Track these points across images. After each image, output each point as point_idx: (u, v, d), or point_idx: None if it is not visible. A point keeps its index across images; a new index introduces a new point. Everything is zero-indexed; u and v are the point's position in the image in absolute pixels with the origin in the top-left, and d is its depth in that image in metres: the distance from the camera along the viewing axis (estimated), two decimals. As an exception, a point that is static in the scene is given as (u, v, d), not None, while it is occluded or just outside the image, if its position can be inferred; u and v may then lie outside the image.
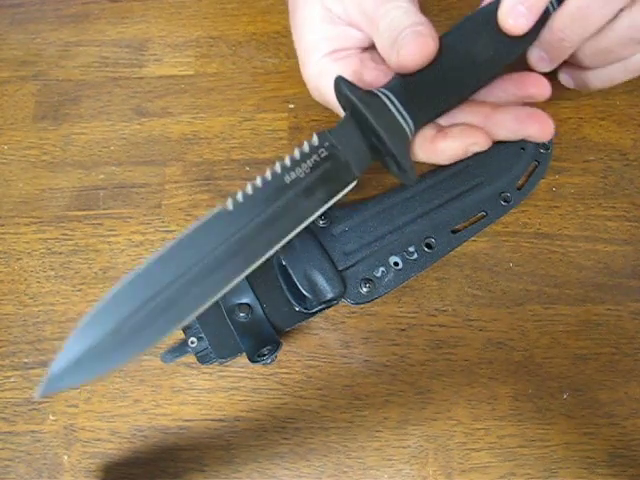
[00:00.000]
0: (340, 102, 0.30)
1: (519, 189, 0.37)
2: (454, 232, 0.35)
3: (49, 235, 0.38)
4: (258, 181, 0.27)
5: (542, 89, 0.30)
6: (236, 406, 0.34)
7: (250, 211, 0.26)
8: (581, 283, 0.35)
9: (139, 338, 0.24)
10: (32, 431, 0.34)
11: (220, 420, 0.33)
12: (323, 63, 0.32)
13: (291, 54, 0.43)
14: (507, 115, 0.30)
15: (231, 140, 0.40)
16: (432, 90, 0.29)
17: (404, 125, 0.28)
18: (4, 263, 0.38)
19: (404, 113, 0.28)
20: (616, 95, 0.39)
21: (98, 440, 0.33)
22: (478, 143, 0.29)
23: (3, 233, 0.39)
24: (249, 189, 0.27)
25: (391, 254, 0.34)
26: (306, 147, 0.28)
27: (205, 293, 0.25)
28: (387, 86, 0.29)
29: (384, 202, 0.36)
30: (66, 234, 0.38)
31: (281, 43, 0.43)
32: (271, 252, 0.27)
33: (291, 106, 0.41)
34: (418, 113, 0.28)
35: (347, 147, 0.28)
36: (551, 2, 0.28)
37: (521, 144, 0.37)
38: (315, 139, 0.28)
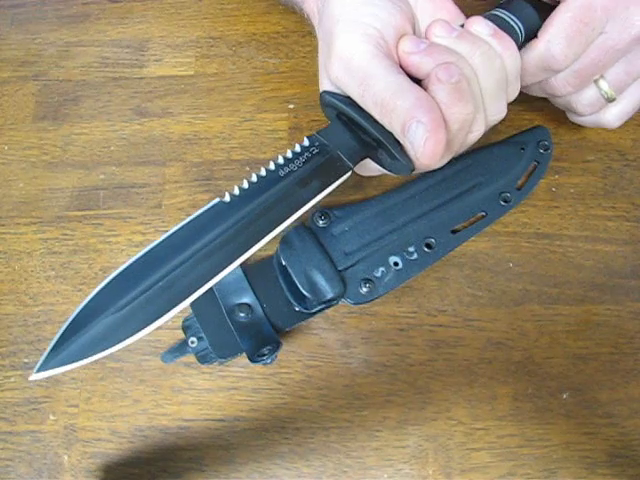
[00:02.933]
0: (325, 113, 0.32)
1: (519, 189, 0.37)
2: (454, 232, 0.35)
3: (49, 235, 0.38)
4: (253, 177, 0.28)
5: None
6: (236, 406, 0.34)
7: (246, 200, 0.28)
8: (581, 283, 0.35)
9: (141, 316, 0.25)
10: (32, 431, 0.34)
11: (220, 420, 0.33)
12: (358, 41, 0.29)
13: (291, 54, 0.43)
14: None
15: (231, 140, 0.40)
16: None
17: None
18: (4, 263, 0.38)
19: None
20: (616, 95, 0.39)
21: (98, 440, 0.33)
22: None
23: (3, 233, 0.39)
24: (245, 184, 0.28)
25: (391, 254, 0.34)
26: (297, 147, 0.29)
27: (204, 275, 0.26)
28: None
29: (384, 202, 0.36)
30: (66, 234, 0.38)
31: (281, 43, 0.43)
32: (268, 238, 0.28)
33: (291, 106, 0.41)
34: None
35: (337, 143, 0.30)
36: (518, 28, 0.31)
37: (521, 144, 0.38)
38: (305, 140, 0.30)
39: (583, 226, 0.37)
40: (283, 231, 0.28)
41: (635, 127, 0.39)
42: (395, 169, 0.30)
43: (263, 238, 0.27)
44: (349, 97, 0.29)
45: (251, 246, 0.27)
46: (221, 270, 0.26)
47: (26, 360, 0.35)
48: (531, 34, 0.31)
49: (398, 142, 0.28)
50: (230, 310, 0.33)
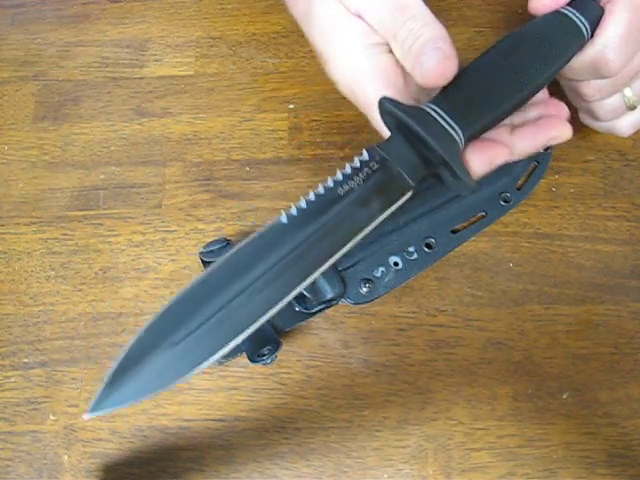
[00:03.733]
0: (385, 121, 0.30)
1: (519, 189, 0.37)
2: (454, 232, 0.35)
3: (49, 235, 0.38)
4: (311, 195, 0.27)
5: (563, 130, 0.29)
6: (236, 406, 0.34)
7: (305, 223, 0.26)
8: (581, 283, 0.35)
9: (196, 352, 0.24)
10: (32, 431, 0.34)
11: (220, 420, 0.33)
12: (357, 61, 0.30)
13: (291, 54, 0.43)
14: (527, 126, 0.30)
15: (231, 140, 0.40)
16: (478, 99, 0.28)
17: (452, 133, 0.27)
18: (4, 263, 0.38)
19: (451, 122, 0.27)
20: (616, 95, 0.39)
21: (98, 440, 0.33)
22: (501, 154, 0.29)
23: (3, 233, 0.39)
24: (303, 203, 0.26)
25: (391, 254, 0.34)
26: (356, 162, 0.28)
27: (262, 306, 0.25)
28: (431, 100, 0.29)
29: (384, 202, 0.36)
30: (66, 234, 0.38)
31: (281, 43, 0.43)
32: (328, 264, 0.26)
33: (291, 106, 0.41)
34: (466, 122, 0.28)
35: (397, 159, 0.28)
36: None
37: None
38: (365, 154, 0.28)
39: (583, 226, 0.37)
40: None
41: (635, 127, 0.39)
42: (455, 187, 0.29)
43: (325, 263, 0.26)
44: (412, 107, 0.28)
45: (313, 271, 0.25)
46: (280, 299, 0.25)
47: (26, 360, 0.35)
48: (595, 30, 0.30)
49: (462, 161, 0.27)
50: (230, 310, 0.33)
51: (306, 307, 0.33)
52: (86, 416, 0.23)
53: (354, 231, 0.27)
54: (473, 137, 0.29)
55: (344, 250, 0.26)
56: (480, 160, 0.28)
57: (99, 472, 0.33)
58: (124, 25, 0.45)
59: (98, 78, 0.43)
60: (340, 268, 0.33)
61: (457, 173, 0.27)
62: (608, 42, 0.29)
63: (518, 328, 0.35)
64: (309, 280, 0.26)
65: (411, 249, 0.34)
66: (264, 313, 0.25)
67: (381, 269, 0.34)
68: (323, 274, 0.32)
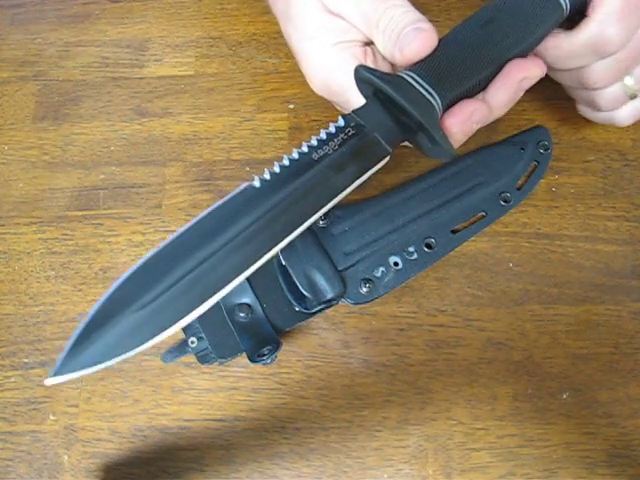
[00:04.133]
0: (360, 89, 0.30)
1: (519, 189, 0.37)
2: (454, 232, 0.35)
3: (49, 235, 0.38)
4: (285, 160, 0.26)
5: (532, 70, 0.29)
6: (236, 406, 0.34)
7: (278, 186, 0.25)
8: (581, 283, 0.35)
9: (166, 313, 0.23)
10: (32, 431, 0.34)
11: (220, 420, 0.33)
12: (328, 53, 0.31)
13: (291, 54, 0.43)
14: (496, 79, 0.30)
15: (231, 140, 0.40)
16: (456, 66, 0.28)
17: (430, 98, 0.27)
18: (4, 263, 0.38)
19: (428, 88, 0.27)
20: (616, 95, 0.39)
21: (98, 440, 0.33)
22: (478, 109, 0.29)
23: (3, 233, 0.39)
24: (276, 168, 0.26)
25: (391, 254, 0.34)
26: (332, 127, 0.27)
27: (232, 270, 0.24)
28: (408, 68, 0.29)
29: (384, 202, 0.36)
30: (66, 234, 0.38)
31: (281, 43, 0.43)
32: (303, 227, 0.25)
33: (291, 106, 0.41)
34: (444, 88, 0.28)
35: (374, 124, 0.28)
36: None
37: (521, 144, 0.38)
38: (340, 120, 0.27)
39: (583, 226, 0.37)
40: None
41: (635, 127, 0.39)
42: (435, 154, 0.29)
43: (298, 228, 0.25)
44: (389, 74, 0.28)
45: (285, 236, 0.25)
46: (253, 263, 0.24)
47: (26, 360, 0.35)
48: (577, 7, 0.30)
49: (440, 126, 0.27)
50: (230, 310, 0.33)
51: (306, 307, 0.33)
52: (49, 381, 0.21)
53: (328, 196, 0.26)
54: (451, 105, 0.29)
55: (317, 215, 0.26)
56: (457, 119, 0.28)
57: (99, 472, 0.33)
58: (124, 25, 0.45)
59: (98, 78, 0.43)
60: (340, 268, 0.33)
61: (435, 138, 0.27)
62: (606, 18, 0.28)
63: (518, 328, 0.35)
64: (280, 245, 0.25)
65: (411, 249, 0.34)
66: (234, 278, 0.24)
67: (381, 269, 0.34)
68: (323, 274, 0.32)
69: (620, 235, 0.36)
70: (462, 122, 0.28)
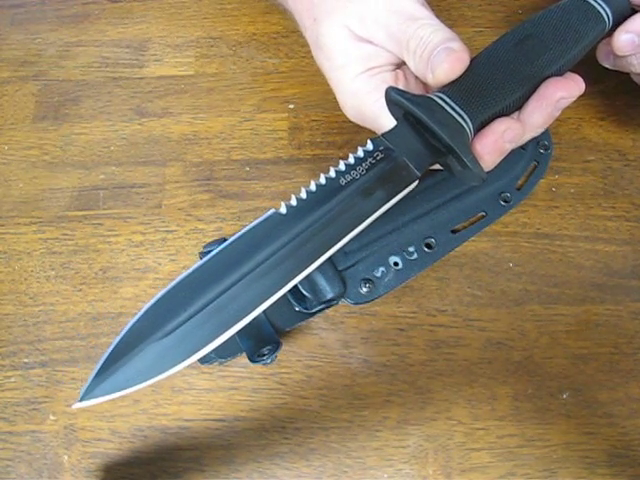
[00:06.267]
0: (391, 111, 0.30)
1: (519, 189, 0.37)
2: (454, 232, 0.35)
3: (49, 235, 0.38)
4: (312, 185, 0.26)
5: (570, 90, 0.29)
6: (236, 406, 0.34)
7: (304, 213, 0.25)
8: (581, 283, 0.35)
9: (189, 342, 0.23)
10: (32, 431, 0.34)
11: (220, 420, 0.33)
12: (359, 81, 0.31)
13: (291, 54, 0.43)
14: (531, 99, 0.29)
15: (231, 140, 0.40)
16: (488, 87, 0.28)
17: (460, 120, 0.27)
18: (4, 263, 0.38)
19: (459, 110, 0.27)
20: (616, 95, 0.39)
21: (98, 440, 0.33)
22: (511, 128, 0.28)
23: (3, 233, 0.39)
24: (303, 193, 0.26)
25: (391, 254, 0.34)
26: (360, 152, 0.27)
27: (256, 297, 0.24)
28: (439, 89, 0.28)
29: (384, 202, 0.36)
30: (66, 234, 0.38)
31: (281, 43, 0.43)
32: (328, 254, 0.25)
33: (291, 106, 0.41)
34: (475, 109, 0.27)
35: (403, 148, 0.27)
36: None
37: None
38: (369, 144, 0.27)
39: (583, 226, 0.37)
40: None
41: (635, 127, 0.39)
42: (465, 177, 0.28)
43: (322, 255, 0.25)
44: (419, 96, 0.28)
45: (309, 264, 0.25)
46: (276, 291, 0.24)
47: (26, 360, 0.35)
48: (619, 20, 0.30)
49: (470, 150, 0.27)
50: (230, 310, 0.33)
51: (306, 307, 0.33)
52: (76, 405, 0.22)
53: (355, 222, 0.26)
54: (484, 125, 0.28)
55: (344, 242, 0.26)
56: (488, 139, 0.27)
57: (99, 472, 0.33)
58: (124, 25, 0.45)
59: (98, 78, 0.43)
60: (340, 268, 0.33)
61: (465, 162, 0.26)
62: None
63: (518, 328, 0.35)
64: (305, 272, 0.25)
65: (411, 249, 0.34)
66: (258, 305, 0.24)
67: (381, 269, 0.34)
68: (323, 274, 0.32)
69: (620, 235, 0.36)
70: (493, 143, 0.27)
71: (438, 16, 0.29)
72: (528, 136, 0.29)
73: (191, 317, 0.23)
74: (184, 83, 0.43)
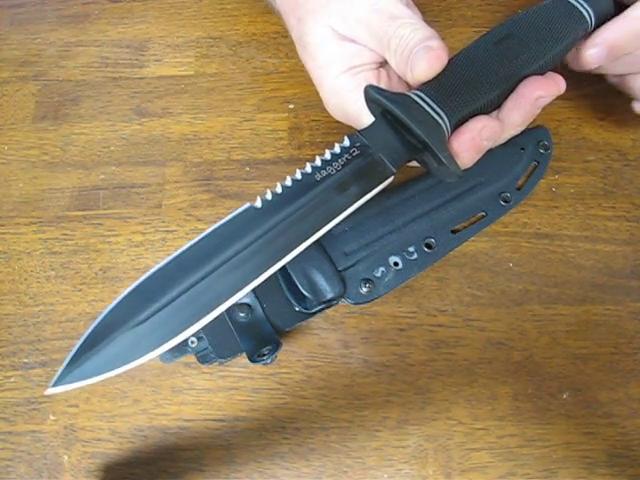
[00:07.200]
0: (370, 108, 0.30)
1: (519, 189, 0.37)
2: (454, 232, 0.35)
3: (49, 235, 0.38)
4: (288, 180, 0.27)
5: (549, 89, 0.29)
6: (236, 406, 0.34)
7: (279, 207, 0.26)
8: (581, 283, 0.35)
9: (162, 330, 0.24)
10: (32, 431, 0.34)
11: (220, 420, 0.33)
12: (341, 80, 0.31)
13: (291, 54, 0.43)
14: (510, 97, 0.29)
15: (231, 140, 0.40)
16: (466, 85, 0.28)
17: (437, 118, 0.27)
18: (4, 263, 0.38)
19: (436, 107, 0.27)
20: (616, 95, 0.39)
21: (98, 440, 0.33)
22: (489, 126, 0.28)
23: (3, 233, 0.39)
24: (278, 188, 0.27)
25: (391, 254, 0.34)
26: (337, 148, 0.28)
27: (229, 288, 0.25)
28: (417, 87, 0.29)
29: (384, 202, 0.36)
30: (66, 234, 0.38)
31: (281, 43, 0.43)
32: (302, 247, 0.26)
33: (291, 106, 0.41)
34: (452, 107, 0.27)
35: (379, 144, 0.28)
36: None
37: (521, 144, 0.38)
38: (346, 140, 0.28)
39: (583, 226, 0.37)
40: None
41: (635, 127, 0.39)
42: (441, 174, 0.29)
43: (296, 248, 0.26)
44: (397, 93, 0.28)
45: (283, 257, 0.25)
46: (249, 283, 0.25)
47: (26, 360, 0.35)
48: (602, 21, 0.30)
49: (446, 146, 0.27)
50: (230, 310, 0.33)
51: (306, 307, 0.33)
52: (48, 391, 0.23)
53: (329, 216, 0.26)
54: (462, 124, 0.28)
55: (318, 235, 0.26)
56: (465, 137, 0.28)
57: (99, 472, 0.33)
58: (124, 25, 0.45)
59: (98, 78, 0.43)
60: (340, 268, 0.33)
61: (441, 158, 0.27)
62: None
63: (518, 328, 0.35)
64: (278, 265, 0.26)
65: (411, 249, 0.34)
66: (231, 296, 0.25)
67: (381, 269, 0.34)
68: (323, 274, 0.32)
69: (620, 235, 0.36)
70: (470, 140, 0.28)
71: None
72: (507, 135, 0.30)
73: (164, 307, 0.24)
74: (184, 83, 0.43)
